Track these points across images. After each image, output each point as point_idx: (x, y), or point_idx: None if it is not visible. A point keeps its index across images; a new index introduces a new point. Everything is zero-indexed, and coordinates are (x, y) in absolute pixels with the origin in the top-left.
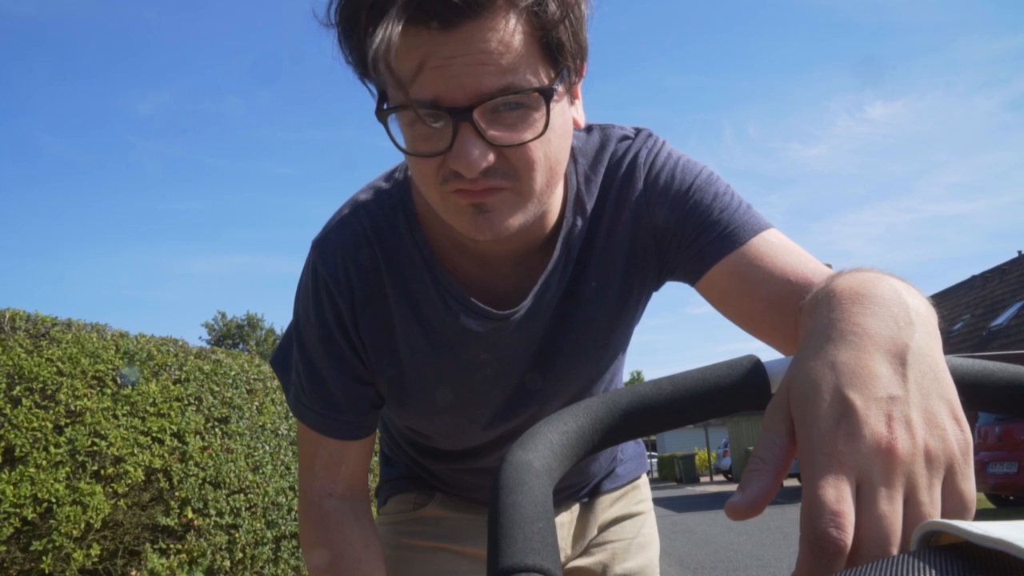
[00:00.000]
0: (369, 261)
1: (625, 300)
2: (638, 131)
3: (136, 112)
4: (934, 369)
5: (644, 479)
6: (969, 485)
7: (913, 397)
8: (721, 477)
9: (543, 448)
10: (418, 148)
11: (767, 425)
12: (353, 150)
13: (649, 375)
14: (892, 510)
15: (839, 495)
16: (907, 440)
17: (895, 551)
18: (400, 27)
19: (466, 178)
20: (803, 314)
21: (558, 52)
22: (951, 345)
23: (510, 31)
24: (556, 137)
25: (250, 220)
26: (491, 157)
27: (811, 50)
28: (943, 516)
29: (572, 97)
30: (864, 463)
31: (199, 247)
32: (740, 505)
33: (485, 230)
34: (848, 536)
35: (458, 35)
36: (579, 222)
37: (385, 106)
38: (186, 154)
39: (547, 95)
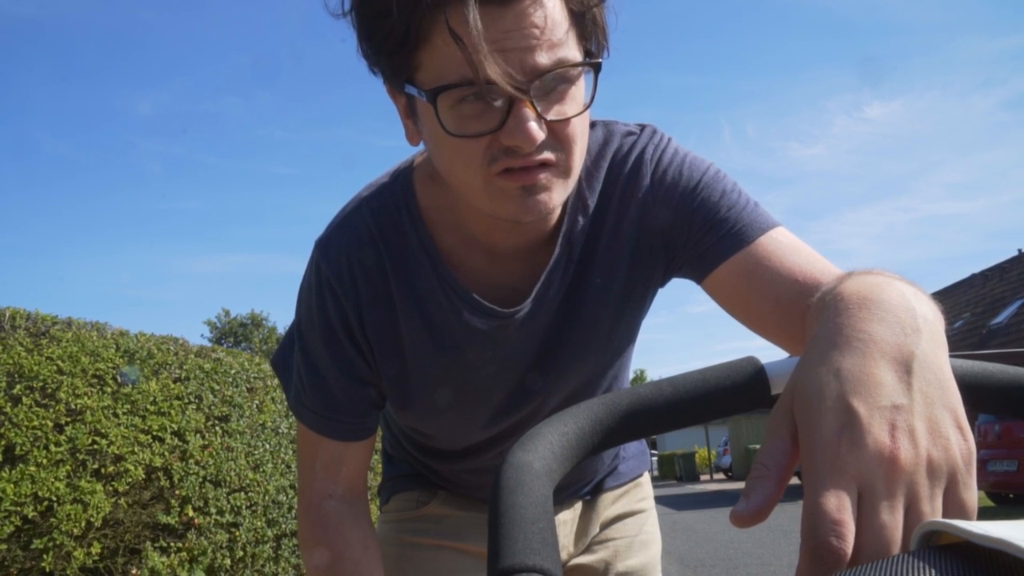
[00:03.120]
0: (373, 260)
1: (629, 297)
2: (643, 127)
3: (136, 112)
4: (939, 377)
5: (646, 477)
6: (971, 495)
7: (917, 406)
8: (721, 475)
9: (543, 449)
10: (467, 128)
11: (771, 430)
12: (353, 150)
13: (651, 374)
14: (893, 520)
15: (840, 504)
16: (910, 449)
17: None
18: (452, 4)
19: (518, 155)
20: (810, 316)
21: (593, 29)
22: (951, 343)
23: (556, 7)
24: (587, 114)
25: (251, 219)
26: (545, 131)
27: (809, 50)
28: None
29: None
30: (866, 472)
31: (200, 246)
32: (745, 513)
33: (533, 210)
34: (848, 545)
35: (513, 10)
36: (580, 220)
37: (418, 89)
38: (186, 154)
39: (597, 69)
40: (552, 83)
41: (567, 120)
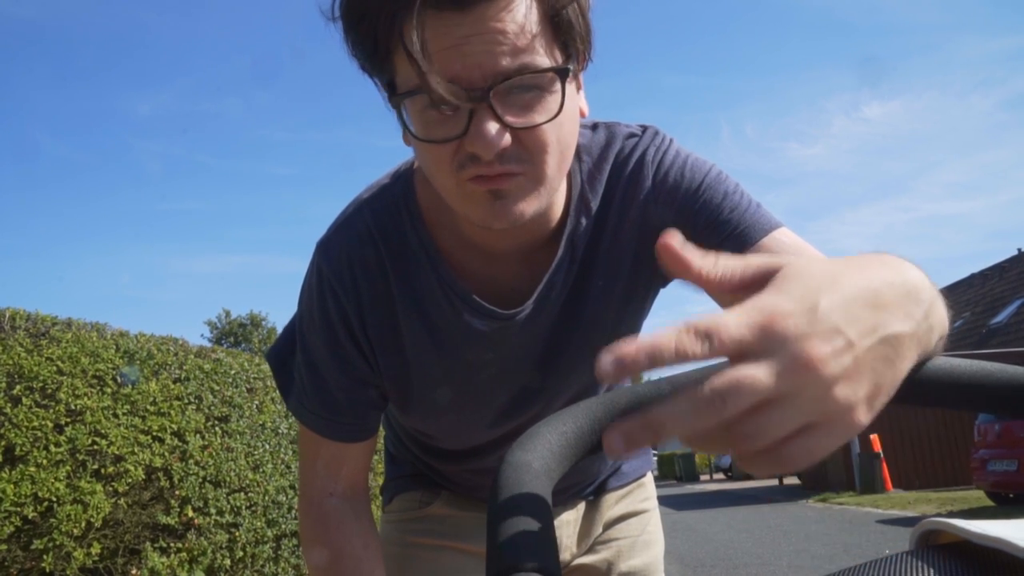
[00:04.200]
0: (374, 261)
1: (631, 299)
2: (644, 128)
3: (136, 112)
4: (899, 357)
5: (649, 477)
6: (820, 451)
7: (868, 356)
8: (721, 475)
9: (542, 449)
10: (432, 134)
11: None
12: (353, 150)
13: (650, 374)
14: (761, 383)
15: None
16: (828, 368)
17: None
18: (414, 9)
19: (483, 162)
20: None
21: (568, 34)
22: (950, 342)
23: (523, 11)
24: (567, 121)
25: (250, 220)
26: (507, 139)
27: (808, 50)
28: (783, 454)
29: (578, 84)
30: (775, 352)
31: (200, 246)
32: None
33: (502, 217)
34: (649, 350)
35: (473, 15)
36: (583, 221)
37: (395, 93)
38: (186, 154)
39: (563, 75)
40: (518, 89)
41: (534, 128)
